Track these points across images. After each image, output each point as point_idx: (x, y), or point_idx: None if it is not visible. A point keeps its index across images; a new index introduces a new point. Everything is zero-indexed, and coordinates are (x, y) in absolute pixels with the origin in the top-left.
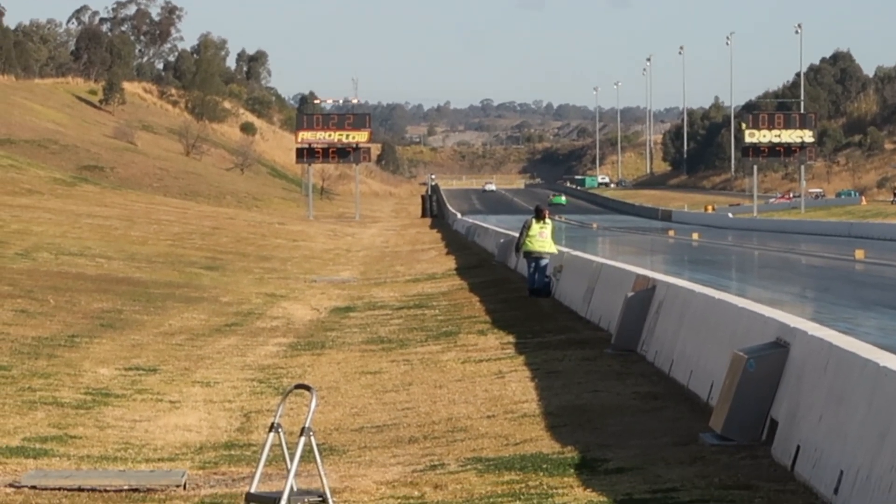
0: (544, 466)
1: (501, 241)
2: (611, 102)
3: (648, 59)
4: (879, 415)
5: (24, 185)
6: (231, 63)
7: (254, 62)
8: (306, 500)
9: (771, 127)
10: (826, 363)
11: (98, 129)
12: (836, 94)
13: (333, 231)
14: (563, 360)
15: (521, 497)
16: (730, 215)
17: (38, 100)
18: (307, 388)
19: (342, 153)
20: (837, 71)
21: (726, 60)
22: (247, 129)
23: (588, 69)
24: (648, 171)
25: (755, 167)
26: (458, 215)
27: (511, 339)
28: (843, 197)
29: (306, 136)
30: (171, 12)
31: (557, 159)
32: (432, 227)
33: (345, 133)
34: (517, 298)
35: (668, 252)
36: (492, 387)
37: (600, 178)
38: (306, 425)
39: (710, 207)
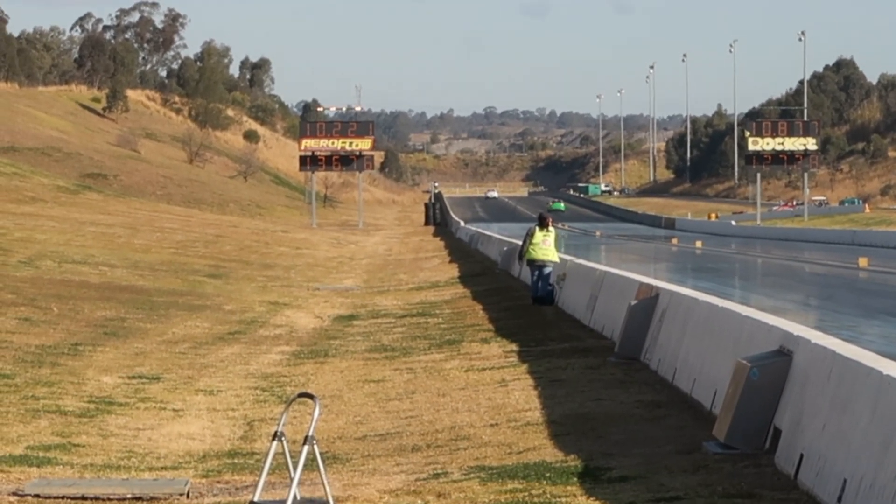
0: (547, 475)
1: (504, 249)
2: (614, 110)
3: (652, 67)
4: (883, 423)
5: (27, 193)
6: (234, 71)
7: (257, 70)
8: None
9: (774, 134)
10: (830, 371)
11: (101, 136)
12: (840, 101)
13: (337, 239)
14: (567, 368)
15: None
16: (733, 223)
17: (42, 107)
18: (310, 396)
19: (345, 161)
20: (841, 78)
21: (730, 68)
22: (250, 136)
23: (591, 77)
24: (652, 178)
25: (759, 175)
26: (462, 223)
27: (514, 347)
28: (846, 205)
29: (310, 143)
30: (174, 20)
31: (561, 167)
32: (435, 235)
33: (348, 141)
34: (520, 306)
35: (671, 260)
36: (495, 395)
37: (603, 185)
38: (309, 434)
39: (713, 215)
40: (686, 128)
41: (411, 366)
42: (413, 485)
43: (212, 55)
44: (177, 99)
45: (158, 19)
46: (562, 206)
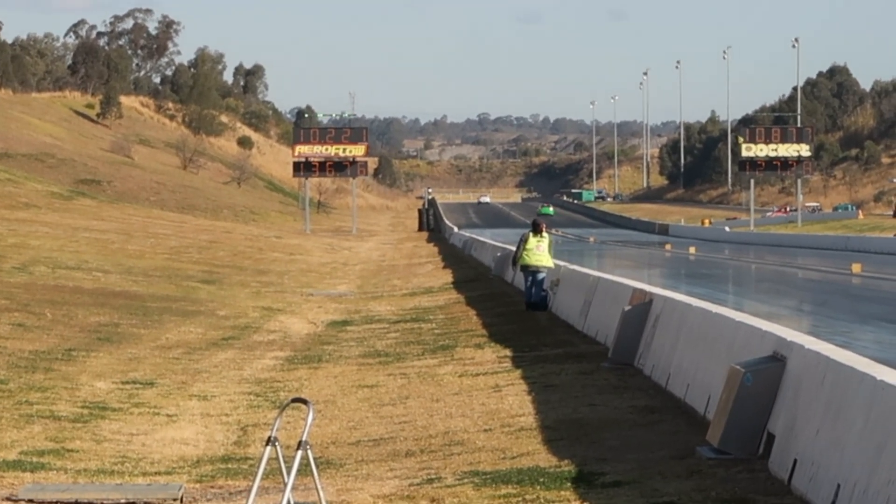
0: (541, 480)
1: (498, 254)
2: (608, 116)
3: (645, 73)
4: (876, 428)
5: (21, 199)
6: (228, 77)
7: (251, 76)
8: None
9: (768, 141)
10: (823, 377)
11: (95, 142)
12: (833, 107)
13: (330, 245)
14: (560, 373)
15: None
16: (727, 229)
17: (36, 114)
18: (304, 401)
19: (339, 167)
20: (834, 85)
21: (723, 74)
22: (244, 142)
23: (585, 83)
24: (645, 184)
25: (752, 181)
26: (455, 229)
27: (508, 352)
28: (839, 211)
29: (303, 149)
30: (168, 26)
31: (554, 173)
32: (429, 240)
33: (342, 147)
34: (514, 312)
35: (664, 266)
36: (489, 400)
37: (597, 191)
38: (303, 439)
39: (706, 221)
40: (679, 134)
41: (405, 371)
42: (407, 490)
43: (206, 61)
44: (171, 105)
45: (152, 26)
46: (550, 210)
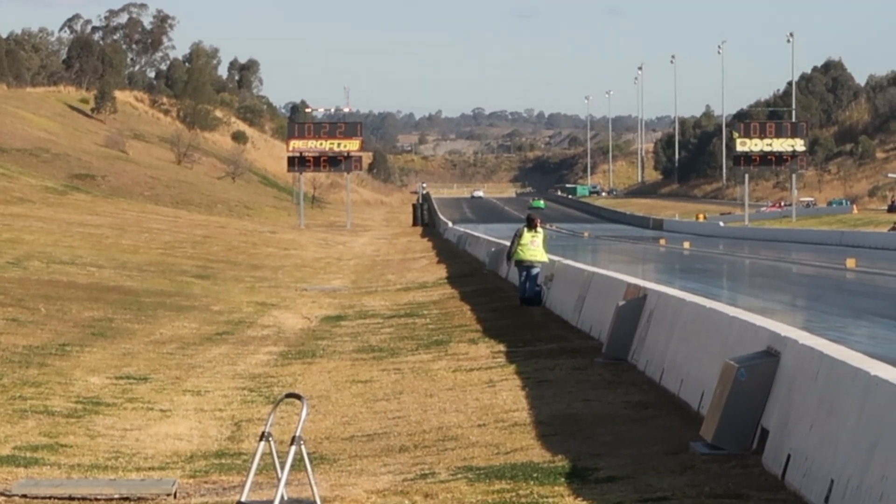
0: (535, 475)
1: (492, 249)
2: (602, 111)
3: (640, 68)
4: (870, 424)
5: (15, 194)
6: (223, 72)
7: (245, 71)
8: None
9: (762, 136)
10: (817, 372)
11: (89, 137)
12: (828, 102)
13: (325, 240)
14: (554, 368)
15: None
16: (721, 224)
17: (30, 108)
18: (298, 396)
19: (333, 162)
20: (829, 80)
21: (718, 69)
22: (238, 137)
23: (579, 78)
24: (640, 179)
25: (746, 176)
26: (450, 224)
27: (502, 347)
28: (834, 206)
29: (298, 144)
30: (162, 21)
31: (549, 168)
32: (423, 235)
33: (336, 142)
34: (508, 307)
35: (659, 261)
36: (482, 396)
37: (591, 186)
38: (297, 434)
39: (701, 216)
40: (674, 129)
41: (399, 366)
42: (400, 485)
43: (200, 56)
44: (165, 100)
45: (147, 20)
46: (541, 203)
